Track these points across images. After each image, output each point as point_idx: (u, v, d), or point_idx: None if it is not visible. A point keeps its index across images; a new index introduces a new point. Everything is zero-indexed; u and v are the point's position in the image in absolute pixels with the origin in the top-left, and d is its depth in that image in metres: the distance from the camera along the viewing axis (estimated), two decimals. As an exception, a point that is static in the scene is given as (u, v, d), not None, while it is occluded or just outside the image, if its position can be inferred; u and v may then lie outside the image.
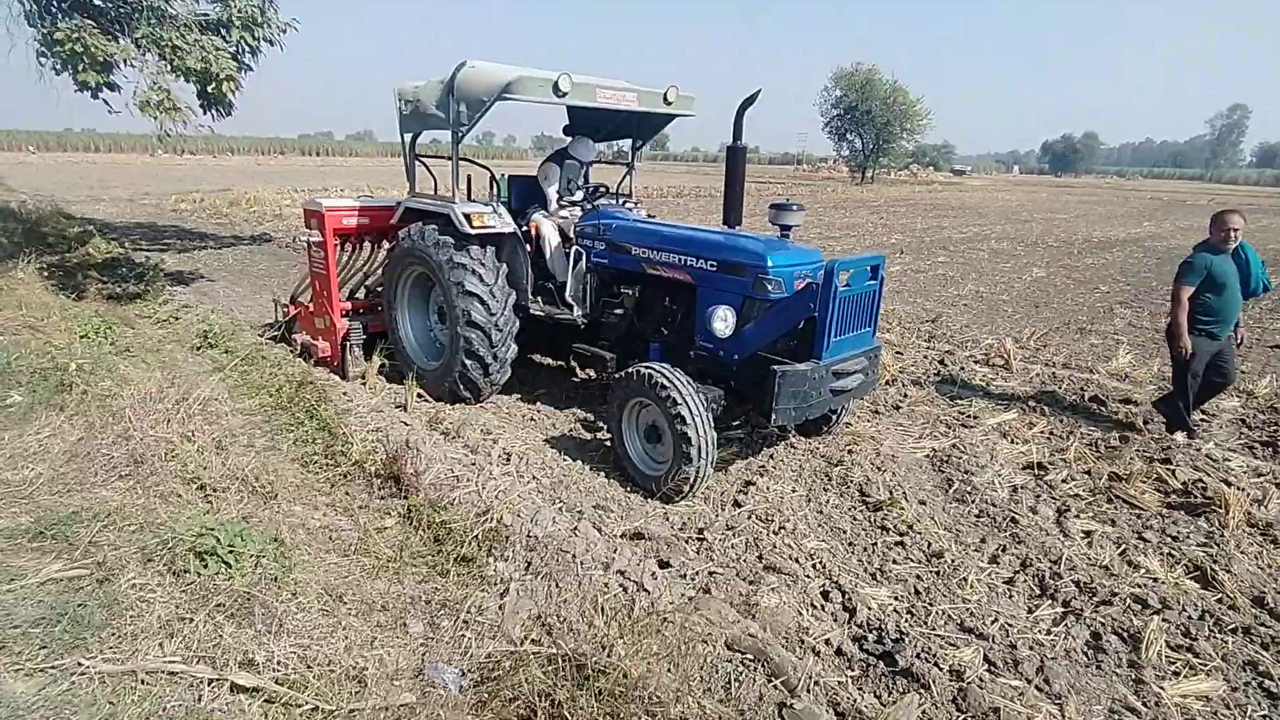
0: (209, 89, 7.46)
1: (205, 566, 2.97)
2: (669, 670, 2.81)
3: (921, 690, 2.91)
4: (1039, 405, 6.37)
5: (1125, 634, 3.33)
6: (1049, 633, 3.35)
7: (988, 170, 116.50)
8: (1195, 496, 4.65)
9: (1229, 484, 4.74)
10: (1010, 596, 3.65)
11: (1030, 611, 3.53)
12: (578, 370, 7.15)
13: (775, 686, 2.81)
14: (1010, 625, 3.39)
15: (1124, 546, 4.10)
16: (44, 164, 45.96)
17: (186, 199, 23.75)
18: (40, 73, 7.45)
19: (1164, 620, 3.38)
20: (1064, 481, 4.88)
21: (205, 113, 8.09)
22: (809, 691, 2.80)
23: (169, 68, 7.20)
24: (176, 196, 24.60)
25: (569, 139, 6.51)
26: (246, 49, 8.21)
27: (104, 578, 2.80)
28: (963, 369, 7.43)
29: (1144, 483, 4.80)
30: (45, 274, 9.64)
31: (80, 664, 2.34)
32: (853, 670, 3.09)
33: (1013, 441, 5.57)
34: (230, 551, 3.04)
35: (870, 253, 4.98)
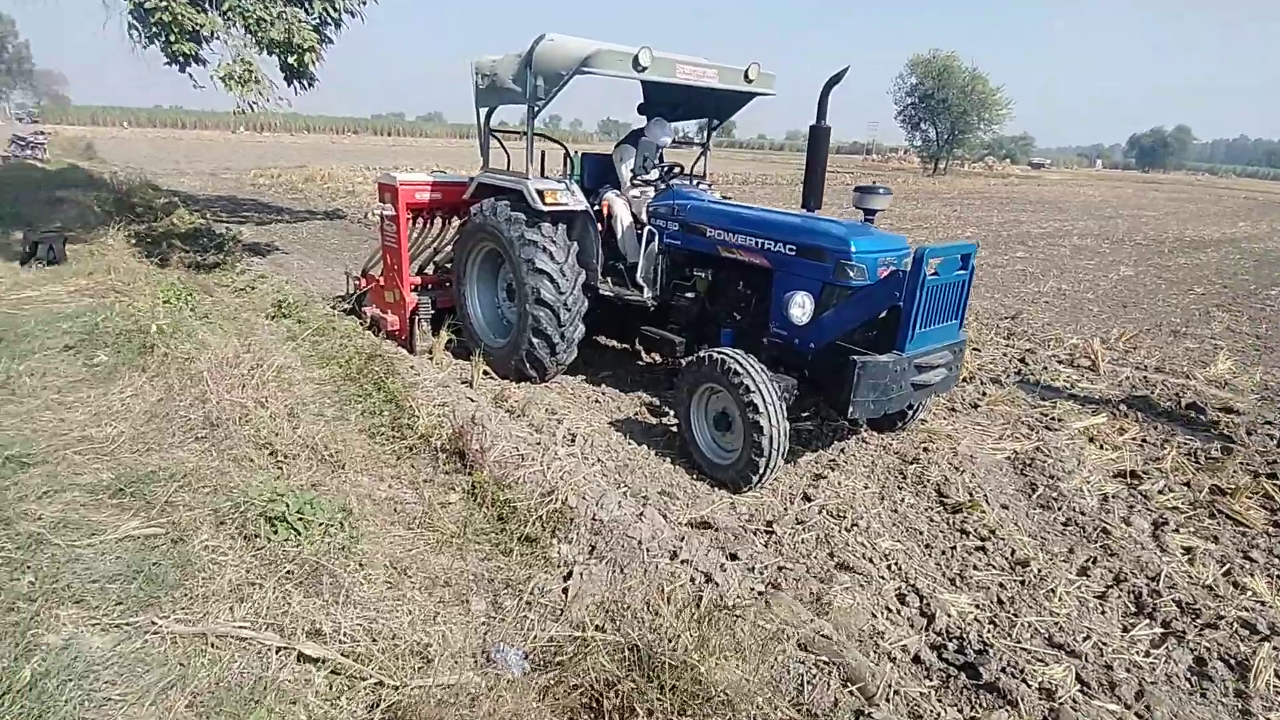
0: (291, 60, 7.57)
1: (275, 532, 2.98)
2: (739, 668, 2.70)
3: (1009, 708, 2.73)
4: (1130, 410, 5.98)
5: (1232, 661, 3.06)
6: (1148, 655, 3.11)
7: (1068, 164, 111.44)
8: (1310, 516, 4.28)
9: (1349, 505, 4.36)
10: (1103, 613, 3.40)
11: (1126, 630, 3.29)
12: (643, 353, 7.04)
13: (851, 693, 2.67)
14: (1104, 644, 3.15)
15: (1228, 566, 3.79)
16: (134, 138, 48.16)
17: (265, 174, 24.53)
18: (133, 44, 7.67)
19: (1274, 648, 3.09)
20: (1160, 493, 4.55)
21: (289, 85, 8.23)
22: (888, 701, 2.64)
23: (253, 40, 7.33)
24: (255, 172, 25.44)
25: (644, 120, 6.35)
26: (330, 20, 8.30)
27: (178, 537, 2.83)
28: (1045, 369, 7.05)
29: (1249, 498, 4.45)
30: (133, 241, 10.03)
31: (154, 623, 2.35)
32: (932, 680, 2.92)
33: (1101, 447, 5.24)
34: (300, 519, 3.05)
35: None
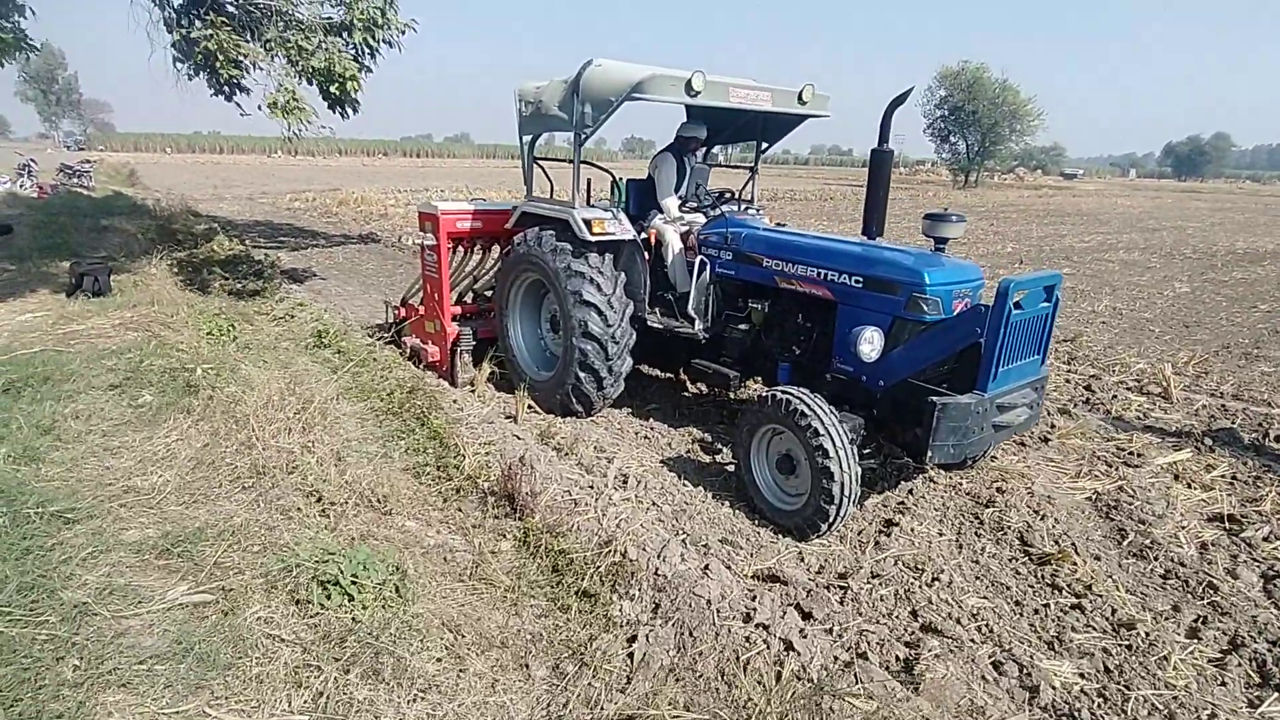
0: (332, 89, 7.55)
1: (329, 598, 2.80)
2: (833, 756, 2.45)
3: (1139, 805, 2.43)
4: (1213, 444, 5.61)
5: (1386, 747, 2.73)
6: (1285, 737, 2.79)
7: (1100, 174, 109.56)
8: None
9: None
10: (1224, 684, 3.08)
11: (1254, 706, 2.97)
12: (689, 384, 6.82)
13: (962, 787, 2.40)
14: (1233, 723, 2.84)
15: (1356, 627, 3.45)
16: (174, 164, 49.37)
17: (299, 198, 24.86)
18: (177, 76, 7.71)
19: None
20: (1265, 540, 4.20)
21: (334, 112, 8.22)
22: (1005, 799, 2.37)
23: (294, 70, 7.32)
24: (290, 195, 25.82)
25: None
26: (367, 50, 8.29)
27: (229, 608, 2.65)
28: (1115, 396, 6.70)
29: (1367, 547, 4.08)
30: (175, 270, 10.08)
31: (206, 713, 2.17)
32: (1045, 767, 2.63)
33: (1190, 486, 4.89)
34: (353, 582, 2.86)
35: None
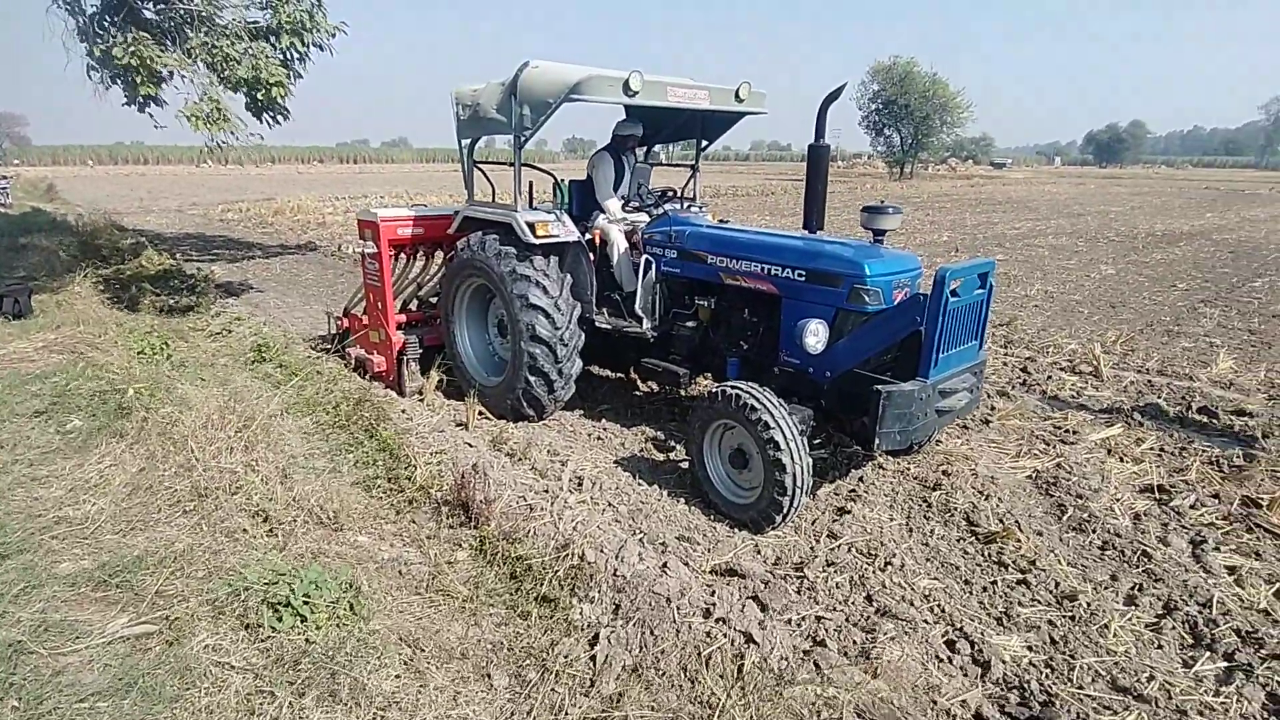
0: (259, 96, 7.31)
1: (280, 620, 2.72)
2: (797, 743, 2.48)
3: (1088, 768, 2.54)
4: (1142, 418, 5.88)
5: (1309, 696, 2.90)
6: (1218, 694, 2.94)
7: (1028, 162, 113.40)
8: (1347, 525, 4.17)
9: (1380, 509, 4.26)
10: (1160, 647, 3.24)
11: (1187, 666, 3.12)
12: (640, 383, 6.84)
13: (922, 765, 2.46)
14: (1171, 684, 2.98)
15: (1278, 585, 3.65)
16: (95, 176, 47.23)
17: (232, 208, 24.06)
18: (95, 88, 7.38)
19: (1355, 681, 2.94)
20: (1192, 508, 4.42)
21: (260, 120, 7.95)
22: (963, 773, 2.44)
23: (217, 78, 7.06)
24: (223, 206, 24.96)
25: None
26: (295, 55, 8.05)
27: (174, 638, 2.56)
28: (1049, 377, 6.96)
29: (1284, 508, 4.32)
30: (100, 287, 9.67)
31: (153, 749, 2.09)
32: (998, 739, 2.72)
33: (1122, 460, 5.11)
34: (305, 603, 2.79)
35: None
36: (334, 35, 8.53)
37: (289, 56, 8.23)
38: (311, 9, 8.28)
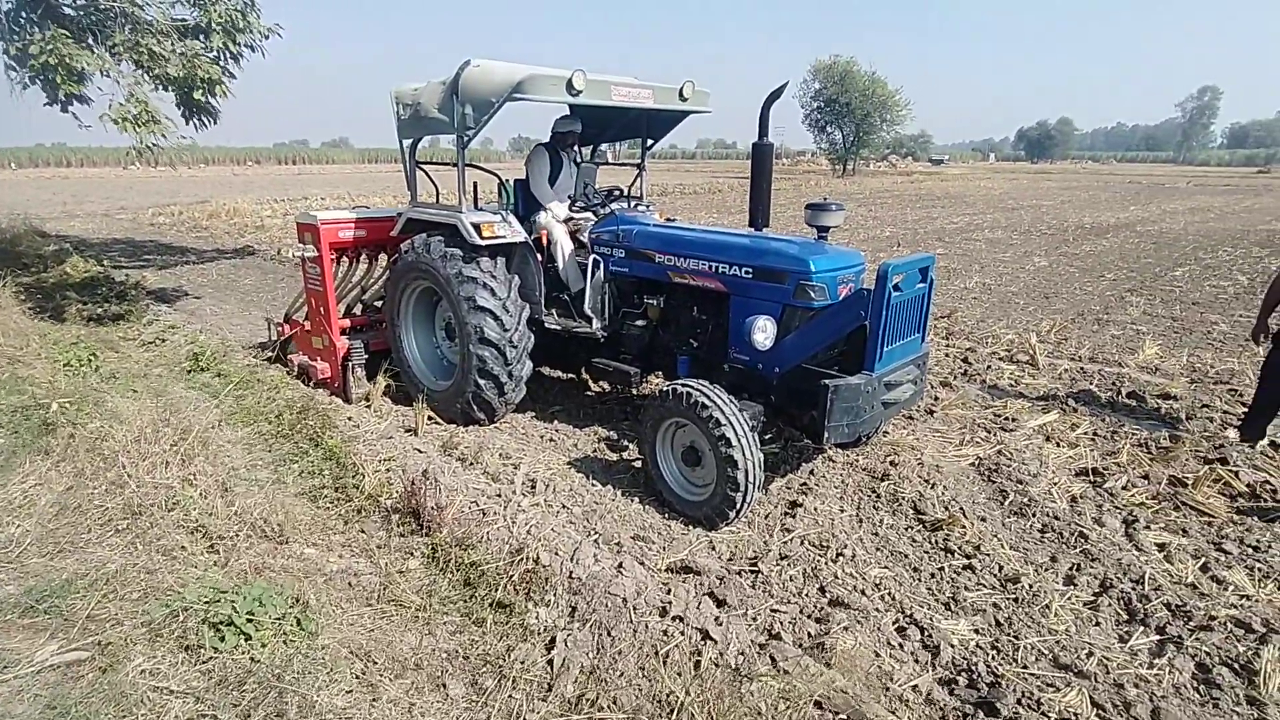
0: (194, 96, 7.03)
1: (223, 640, 2.62)
2: (755, 737, 2.51)
3: (1033, 745, 2.62)
4: (1076, 404, 6.11)
5: (1236, 664, 3.05)
6: (1151, 666, 3.07)
7: (964, 158, 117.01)
8: (1265, 500, 4.40)
9: (1295, 485, 4.51)
10: (1098, 624, 3.37)
11: (1123, 641, 3.25)
12: (591, 383, 6.81)
13: (876, 751, 2.51)
14: (1108, 659, 3.10)
15: (1204, 560, 3.83)
16: (14, 180, 44.88)
17: (164, 212, 23.15)
18: (11, 87, 7.00)
19: (1275, 648, 3.09)
20: (1124, 489, 4.61)
21: (188, 123, 7.66)
22: (916, 757, 2.49)
23: (147, 76, 6.77)
24: (154, 209, 24.00)
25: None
26: (229, 55, 7.78)
27: (108, 664, 2.44)
28: (989, 367, 7.18)
29: (1208, 487, 4.54)
30: (21, 297, 9.19)
31: (88, 782, 1.99)
32: (949, 721, 2.79)
33: (1059, 445, 5.30)
34: (249, 620, 2.70)
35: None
36: (267, 37, 8.27)
37: (222, 56, 7.94)
38: (244, 9, 8.02)
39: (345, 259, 6.40)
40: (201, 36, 7.55)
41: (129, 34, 6.76)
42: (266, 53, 8.38)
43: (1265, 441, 5.17)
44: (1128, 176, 56.38)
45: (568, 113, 5.96)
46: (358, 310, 6.70)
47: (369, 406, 6.06)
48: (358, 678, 2.88)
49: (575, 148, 6.15)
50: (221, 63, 7.75)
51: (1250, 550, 3.91)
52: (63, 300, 9.21)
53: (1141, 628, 3.31)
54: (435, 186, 6.06)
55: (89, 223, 20.98)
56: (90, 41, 6.86)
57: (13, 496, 3.73)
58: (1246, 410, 5.42)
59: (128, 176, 47.65)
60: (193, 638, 2.64)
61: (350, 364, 6.17)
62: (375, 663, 3.03)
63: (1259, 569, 3.73)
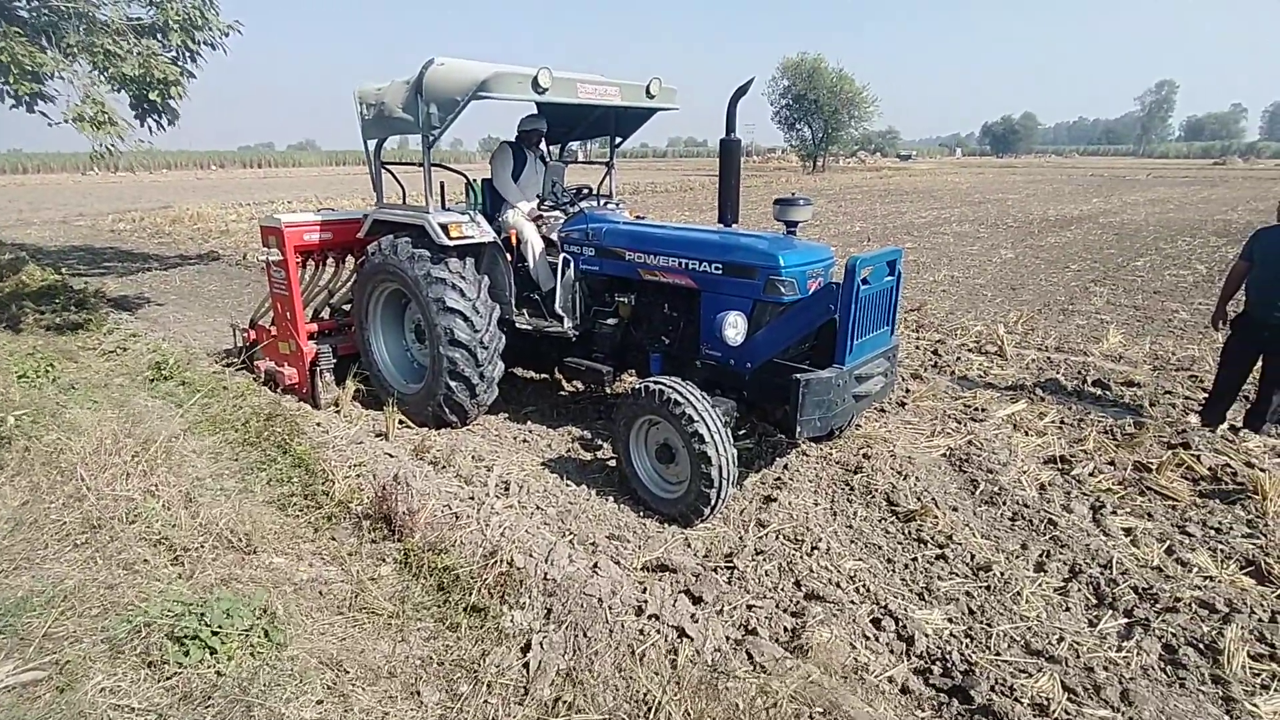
0: (151, 96, 6.87)
1: (187, 654, 2.56)
2: (732, 734, 2.50)
3: (1007, 731, 2.64)
4: (1043, 393, 6.21)
5: (1200, 645, 3.10)
6: (1120, 649, 3.11)
7: (931, 154, 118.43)
8: (1226, 483, 4.49)
9: (1254, 466, 4.61)
10: (1068, 609, 3.41)
11: (1093, 625, 3.30)
12: (564, 382, 6.78)
13: (853, 743, 2.51)
14: (1079, 644, 3.15)
15: (1169, 543, 3.90)
16: (-35, 188, 43.60)
17: (124, 218, 22.64)
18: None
19: (1241, 629, 3.15)
20: (1091, 475, 4.68)
21: (142, 124, 7.48)
22: (892, 747, 2.50)
23: (103, 77, 6.60)
24: (113, 216, 23.47)
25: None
26: (187, 53, 7.61)
27: (65, 683, 2.36)
28: (958, 358, 7.26)
29: (1172, 471, 4.63)
30: (-27, 308, 8.91)
31: (44, 806, 1.92)
32: (924, 711, 2.81)
33: (1027, 434, 5.37)
34: (214, 634, 2.63)
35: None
36: (227, 34, 8.10)
37: (180, 55, 7.77)
38: (202, 6, 7.85)
39: (311, 262, 6.29)
40: (159, 35, 7.38)
41: (83, 34, 6.58)
42: (228, 50, 8.21)
43: (1225, 425, 5.29)
44: (1089, 169, 57.52)
45: (534, 111, 5.92)
46: (325, 314, 6.59)
47: (338, 411, 5.97)
48: (328, 688, 2.83)
49: (541, 146, 6.10)
50: (180, 62, 7.58)
51: (1213, 532, 3.99)
52: (18, 310, 8.94)
53: (1110, 611, 3.37)
54: (402, 187, 5.98)
55: (45, 230, 20.46)
56: (44, 42, 6.67)
57: (-35, 513, 3.61)
58: (1207, 395, 5.54)
59: (86, 183, 46.58)
60: (156, 653, 2.57)
61: (318, 369, 6.07)
62: (347, 672, 2.98)
63: (1221, 550, 3.80)
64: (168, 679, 2.48)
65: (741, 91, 4.77)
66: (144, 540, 3.48)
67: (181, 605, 2.77)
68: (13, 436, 4.25)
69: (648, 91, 5.45)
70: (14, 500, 3.69)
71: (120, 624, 2.69)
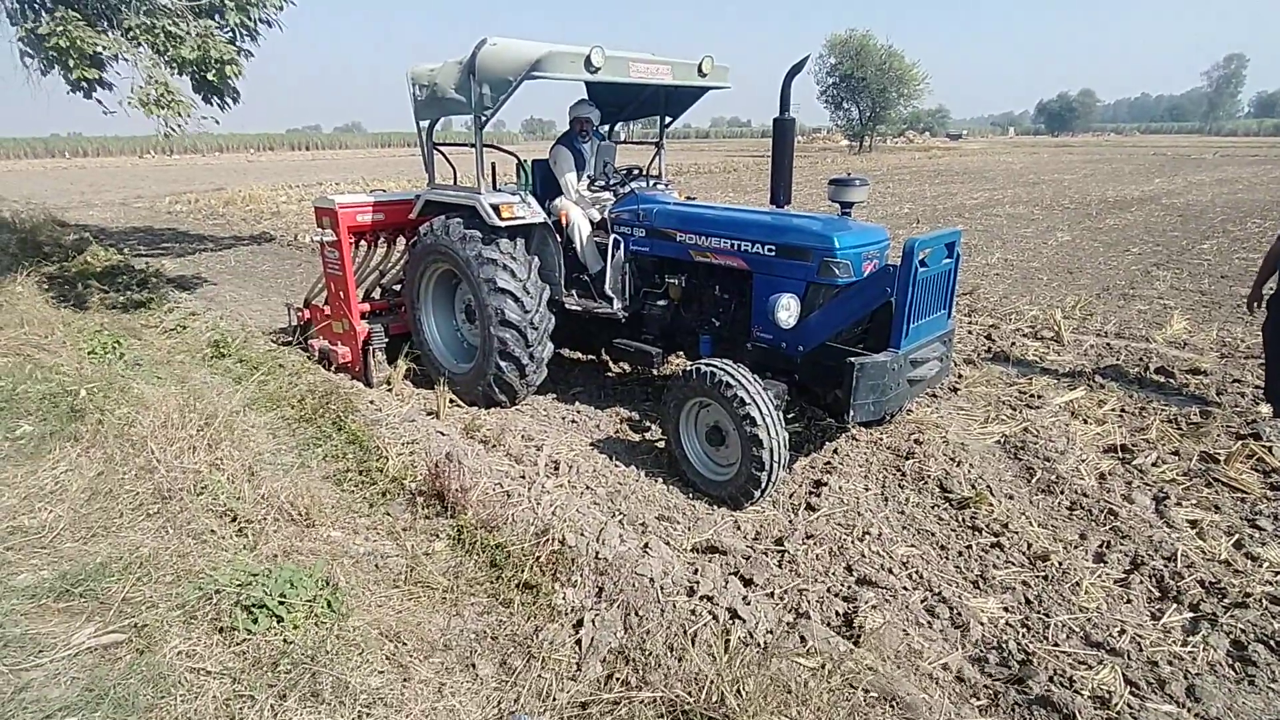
0: (209, 77, 7.01)
1: (255, 622, 2.65)
2: (785, 714, 2.50)
3: (1067, 723, 2.60)
4: (1103, 380, 6.02)
5: (1272, 642, 3.00)
6: (1185, 644, 3.03)
7: (983, 133, 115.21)
8: (1300, 476, 4.32)
9: (1331, 460, 4.42)
10: (1129, 601, 3.33)
11: (1156, 619, 3.21)
12: (611, 363, 6.80)
13: (909, 730, 2.50)
14: (1140, 637, 3.07)
15: (1238, 536, 3.77)
16: (31, 171, 45.35)
17: (180, 200, 23.32)
18: (27, 74, 7.03)
19: (1314, 626, 3.04)
20: (1154, 465, 4.54)
21: (209, 104, 7.65)
22: (949, 735, 2.48)
23: (163, 60, 6.76)
24: (170, 198, 24.18)
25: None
26: (244, 33, 7.75)
27: (144, 646, 2.47)
28: (1013, 344, 7.07)
29: (1241, 463, 4.46)
30: (45, 286, 9.30)
31: (130, 761, 2.02)
32: (981, 700, 2.77)
33: (1086, 422, 5.23)
34: (281, 603, 2.72)
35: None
36: (281, 8, 8.21)
37: (238, 34, 7.92)
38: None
39: (364, 243, 6.40)
40: (216, 15, 7.52)
41: (143, 16, 6.73)
42: (282, 26, 8.33)
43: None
44: (1152, 148, 55.21)
45: (585, 96, 5.89)
46: (377, 294, 6.71)
47: (390, 390, 6.08)
48: (388, 658, 2.90)
49: (589, 133, 6.07)
50: (237, 41, 7.73)
51: (1286, 527, 3.84)
52: (84, 289, 9.30)
53: (1174, 605, 3.27)
54: (453, 168, 6.03)
55: (107, 212, 21.17)
56: (105, 25, 6.85)
57: (44, 482, 3.78)
58: (1263, 385, 5.32)
59: (143, 165, 48.02)
60: (226, 620, 2.67)
61: (371, 348, 6.19)
62: (405, 644, 3.05)
63: (1295, 545, 3.66)
64: (239, 644, 2.58)
65: (796, 69, 4.68)
66: (210, 511, 3.61)
67: (248, 574, 2.87)
68: (86, 410, 4.43)
69: (700, 70, 5.39)
70: (90, 471, 3.86)
71: (192, 591, 2.80)
